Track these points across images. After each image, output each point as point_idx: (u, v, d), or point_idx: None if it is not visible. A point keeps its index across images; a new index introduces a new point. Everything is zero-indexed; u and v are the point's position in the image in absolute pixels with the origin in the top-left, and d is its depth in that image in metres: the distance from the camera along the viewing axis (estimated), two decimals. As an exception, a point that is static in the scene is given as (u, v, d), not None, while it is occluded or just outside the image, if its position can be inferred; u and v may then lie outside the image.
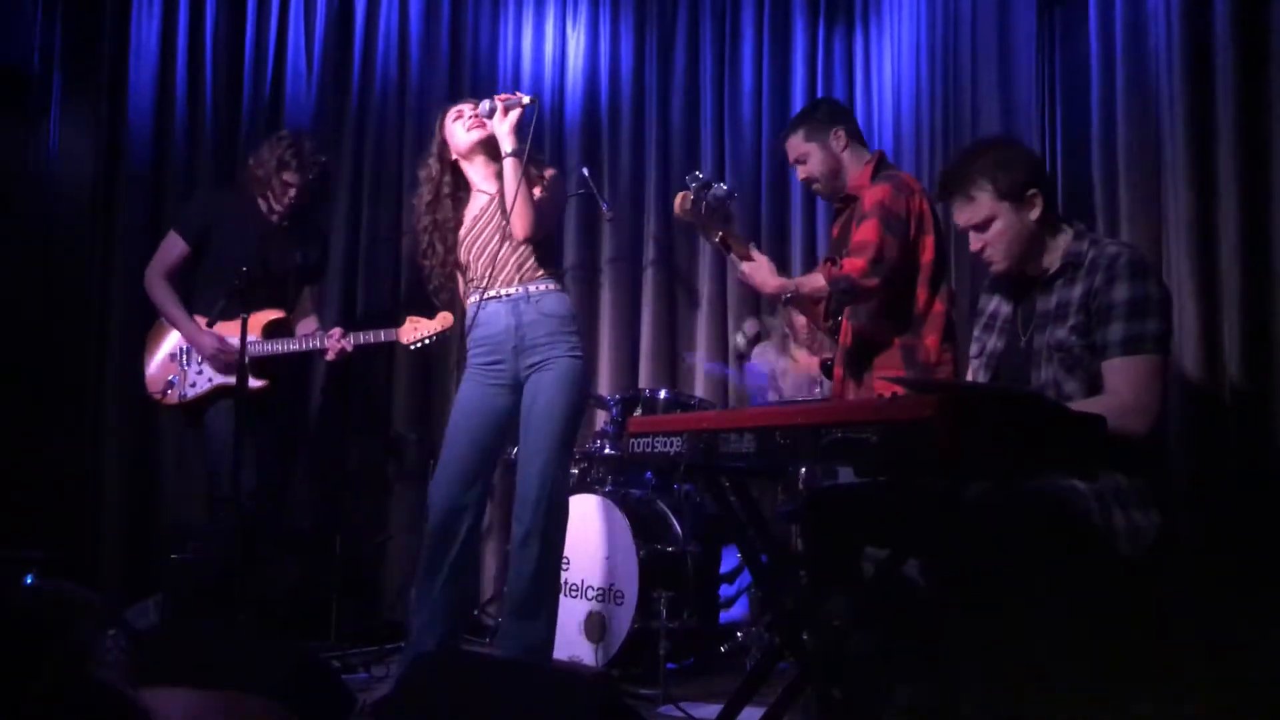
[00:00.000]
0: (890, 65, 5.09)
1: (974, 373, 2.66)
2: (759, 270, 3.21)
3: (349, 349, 3.85)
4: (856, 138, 3.38)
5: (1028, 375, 2.45)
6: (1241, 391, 2.70)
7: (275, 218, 3.99)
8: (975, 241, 2.49)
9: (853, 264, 3.07)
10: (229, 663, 2.20)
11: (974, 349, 2.68)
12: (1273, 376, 2.63)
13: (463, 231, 3.40)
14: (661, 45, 5.37)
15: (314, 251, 4.02)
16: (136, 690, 1.70)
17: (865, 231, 3.10)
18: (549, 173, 3.39)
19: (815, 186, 3.43)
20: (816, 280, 3.17)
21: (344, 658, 3.95)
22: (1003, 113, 3.93)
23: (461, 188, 3.44)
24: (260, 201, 3.99)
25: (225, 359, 3.78)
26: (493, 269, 3.33)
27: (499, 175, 3.32)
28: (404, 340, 3.78)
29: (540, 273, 3.32)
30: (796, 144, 3.39)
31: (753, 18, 5.35)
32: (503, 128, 3.25)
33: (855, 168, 3.35)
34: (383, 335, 3.84)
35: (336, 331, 3.88)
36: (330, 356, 3.87)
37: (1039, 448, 2.05)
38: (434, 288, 3.47)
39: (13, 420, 4.30)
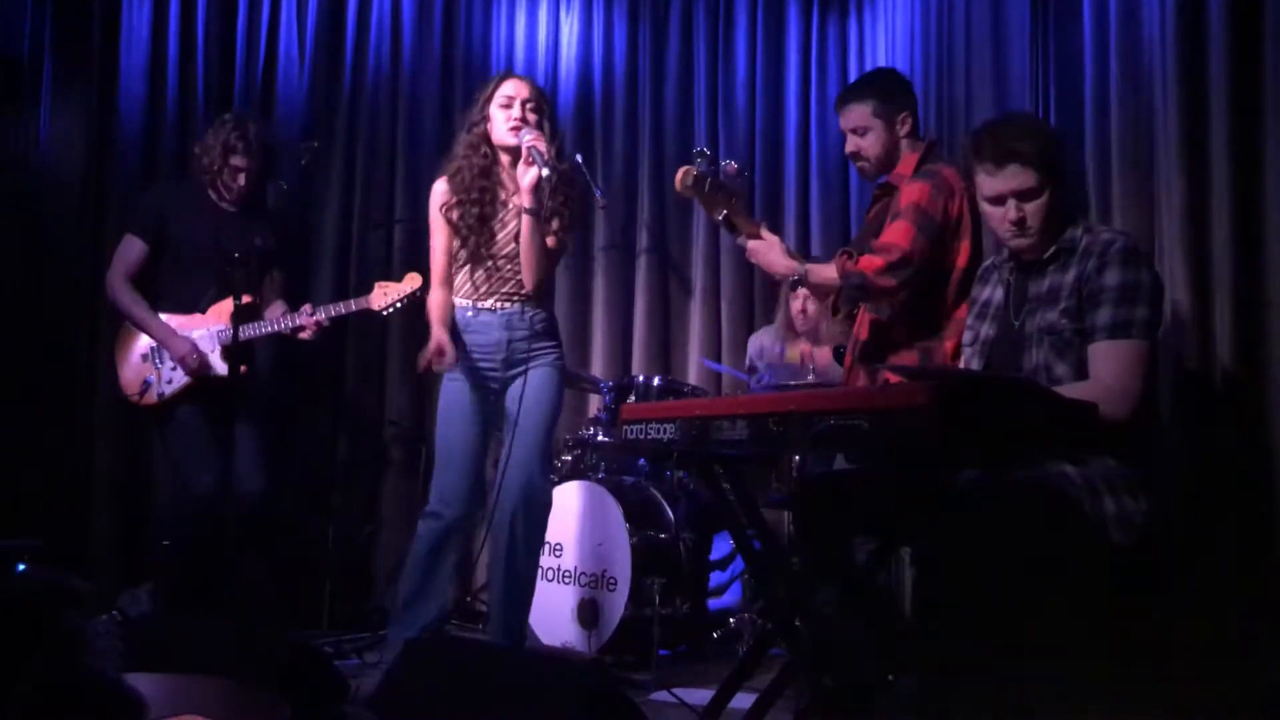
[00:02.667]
0: (884, 52, 5.09)
1: (967, 360, 2.67)
2: (770, 250, 3.06)
3: (324, 322, 3.83)
4: (917, 128, 3.22)
5: (1019, 360, 2.46)
6: (1233, 378, 2.70)
7: (226, 204, 3.94)
8: (1015, 211, 2.43)
9: (870, 262, 2.95)
10: (222, 650, 2.20)
11: (967, 337, 2.69)
12: (1264, 363, 2.64)
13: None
14: (655, 32, 5.35)
15: (270, 236, 3.91)
16: (130, 677, 1.70)
17: (894, 233, 2.97)
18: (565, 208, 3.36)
19: (861, 165, 3.25)
20: (829, 271, 3.02)
21: (336, 644, 3.95)
22: (996, 100, 3.92)
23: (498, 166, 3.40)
24: (210, 190, 3.93)
25: (192, 365, 3.74)
26: (490, 281, 3.37)
27: (515, 180, 3.35)
28: (375, 306, 3.78)
29: (537, 295, 3.39)
30: (862, 114, 3.18)
31: (746, 4, 5.35)
32: (524, 181, 3.25)
33: (906, 155, 3.18)
34: (354, 305, 3.84)
35: (307, 307, 3.84)
36: (306, 335, 3.85)
37: (1031, 435, 2.06)
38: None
39: (3, 409, 4.29)
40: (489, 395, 3.41)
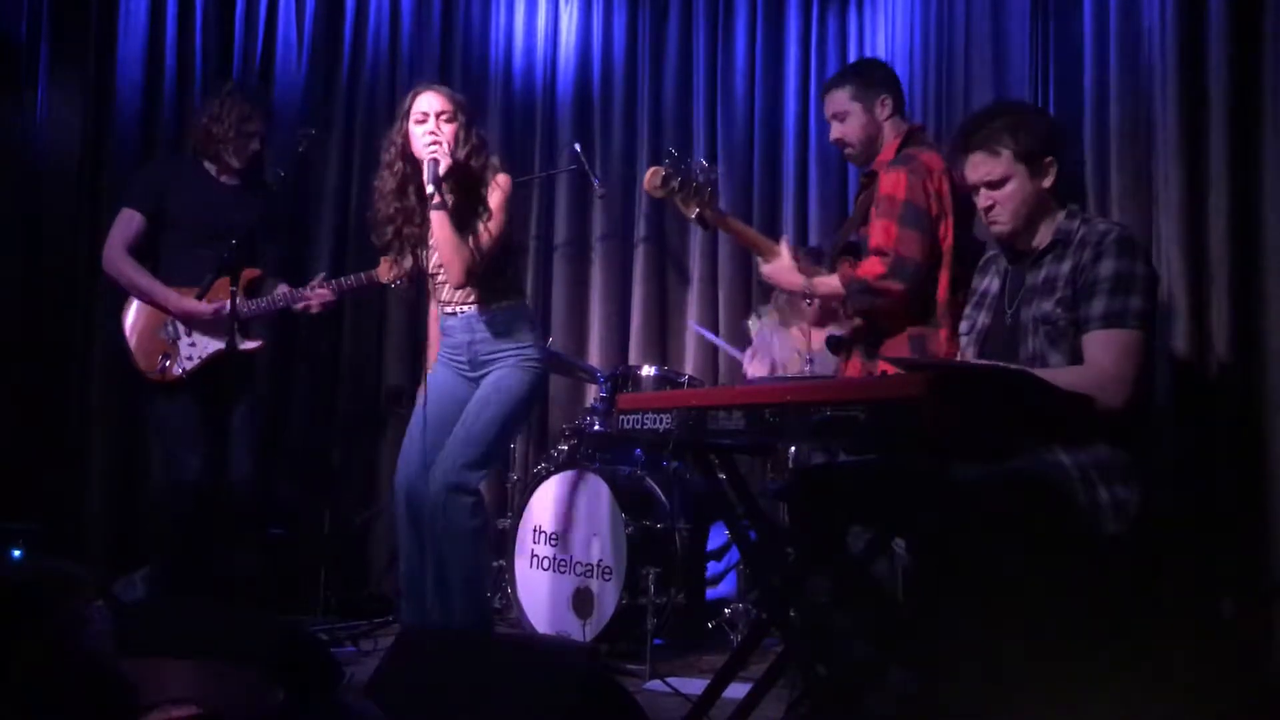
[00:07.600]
0: (884, 43, 5.07)
1: (963, 349, 2.68)
2: (781, 271, 3.18)
3: (332, 296, 3.87)
4: (900, 109, 3.24)
5: (1015, 350, 2.46)
6: (1229, 369, 2.70)
7: (226, 178, 3.94)
8: (985, 198, 2.50)
9: (870, 268, 2.98)
10: (215, 635, 2.20)
11: (964, 326, 2.70)
12: (1260, 355, 2.64)
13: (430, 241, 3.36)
14: (654, 21, 5.34)
15: (269, 211, 3.93)
16: (123, 662, 1.70)
17: (880, 234, 3.00)
18: (501, 179, 3.32)
19: (848, 151, 3.29)
20: (833, 282, 3.10)
21: (331, 631, 3.96)
22: (995, 91, 3.91)
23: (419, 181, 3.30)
24: (208, 164, 3.94)
25: (223, 314, 3.74)
26: (447, 289, 3.38)
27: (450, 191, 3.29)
28: (383, 279, 3.77)
29: (490, 293, 3.34)
30: (840, 99, 3.23)
31: (747, -7, 5.34)
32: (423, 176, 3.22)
33: (889, 140, 3.21)
34: (363, 278, 3.87)
35: (317, 280, 3.90)
36: (315, 309, 3.88)
37: (1026, 426, 2.06)
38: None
39: (-1, 392, 4.29)
40: (466, 385, 3.39)
